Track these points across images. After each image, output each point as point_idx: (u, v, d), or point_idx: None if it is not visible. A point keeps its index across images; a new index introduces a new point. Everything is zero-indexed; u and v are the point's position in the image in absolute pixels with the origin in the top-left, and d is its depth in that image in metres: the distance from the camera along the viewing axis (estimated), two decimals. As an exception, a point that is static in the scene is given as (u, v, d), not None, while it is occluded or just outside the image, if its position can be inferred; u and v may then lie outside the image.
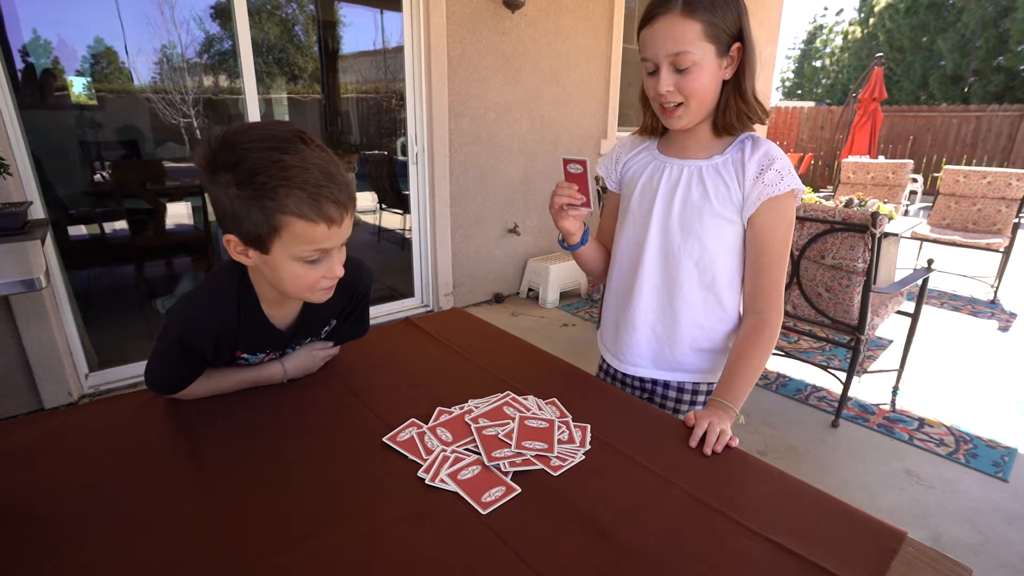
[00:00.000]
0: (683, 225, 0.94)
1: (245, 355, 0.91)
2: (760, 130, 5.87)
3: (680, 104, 0.87)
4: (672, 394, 1.05)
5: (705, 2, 0.80)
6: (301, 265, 0.75)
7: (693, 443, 0.79)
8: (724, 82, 0.87)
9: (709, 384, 1.04)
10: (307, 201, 0.69)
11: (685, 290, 0.97)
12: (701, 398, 1.04)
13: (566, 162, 0.92)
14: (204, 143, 0.72)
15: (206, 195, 3.17)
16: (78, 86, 2.64)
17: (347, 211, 0.74)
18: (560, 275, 3.65)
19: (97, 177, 2.85)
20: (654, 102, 0.90)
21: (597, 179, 2.96)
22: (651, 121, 0.99)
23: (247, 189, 0.68)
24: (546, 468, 0.73)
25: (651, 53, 0.85)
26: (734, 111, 0.88)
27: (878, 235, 1.95)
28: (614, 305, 1.08)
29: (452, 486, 0.69)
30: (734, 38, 0.84)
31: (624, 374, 1.09)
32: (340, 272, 0.79)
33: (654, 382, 1.06)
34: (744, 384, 0.88)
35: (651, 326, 1.02)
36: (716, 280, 0.96)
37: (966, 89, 15.44)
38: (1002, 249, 3.74)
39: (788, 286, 2.28)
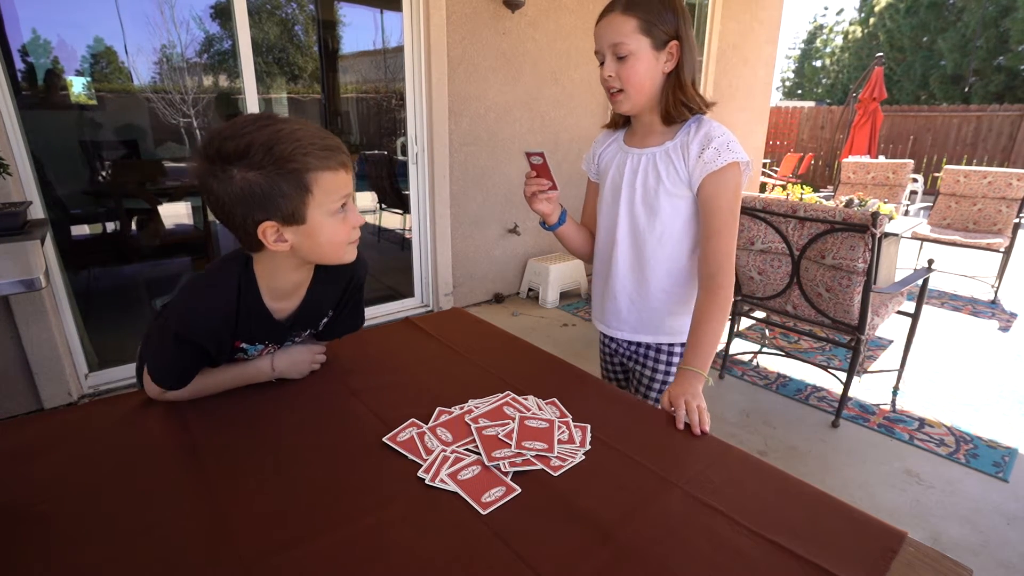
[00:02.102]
0: (646, 206, 1.07)
1: (244, 345, 0.91)
2: (756, 128, 5.86)
3: (621, 90, 1.00)
4: (652, 354, 1.18)
5: (642, 3, 0.95)
6: (335, 220, 0.80)
7: (680, 426, 0.85)
8: (668, 76, 1.00)
9: (682, 344, 1.16)
10: (322, 155, 0.75)
11: (653, 263, 1.10)
12: (676, 358, 1.17)
13: (528, 155, 1.03)
14: (197, 151, 0.75)
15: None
16: (78, 86, 2.64)
17: (350, 158, 0.81)
18: (560, 275, 3.65)
19: (97, 177, 2.85)
20: (604, 89, 1.04)
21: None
22: (616, 115, 1.13)
23: (268, 166, 0.72)
24: (546, 468, 0.73)
25: (598, 45, 1.00)
26: (673, 101, 1.00)
27: (878, 235, 1.95)
28: (598, 278, 1.23)
29: (452, 486, 0.69)
30: (672, 37, 0.96)
31: (613, 339, 1.24)
32: (362, 218, 0.85)
33: (638, 344, 1.20)
34: (708, 349, 0.97)
35: (628, 296, 1.15)
36: (679, 251, 1.08)
37: (966, 89, 15.43)
38: (1002, 249, 3.74)
39: (788, 286, 2.28)
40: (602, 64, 1.01)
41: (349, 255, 0.86)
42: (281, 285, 0.88)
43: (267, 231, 0.76)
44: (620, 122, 1.15)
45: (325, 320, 1.01)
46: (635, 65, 0.97)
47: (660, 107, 1.02)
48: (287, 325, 0.93)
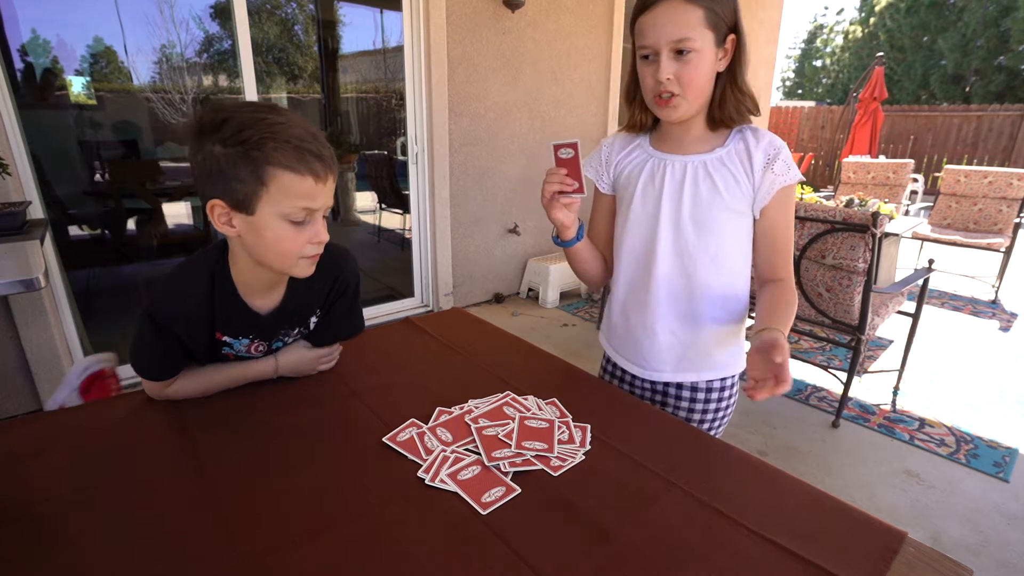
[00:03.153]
0: (696, 222, 0.91)
1: (227, 338, 0.90)
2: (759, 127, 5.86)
3: (676, 94, 0.84)
4: (686, 394, 1.02)
5: None
6: (287, 226, 0.75)
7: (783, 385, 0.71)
8: (718, 74, 0.86)
9: (722, 380, 1.02)
10: (293, 155, 0.71)
11: (704, 288, 0.94)
12: (715, 395, 1.02)
13: (556, 148, 0.88)
14: (189, 117, 0.74)
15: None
16: (77, 86, 2.64)
17: (331, 171, 0.76)
18: (560, 275, 3.65)
19: (96, 177, 2.85)
20: (649, 92, 0.87)
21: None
22: (640, 116, 0.96)
23: (234, 146, 0.70)
24: (546, 468, 0.73)
25: (651, 39, 0.82)
26: (732, 103, 0.87)
27: (879, 235, 1.95)
28: (625, 311, 1.03)
29: (452, 486, 0.69)
30: (730, 29, 0.83)
31: (642, 379, 1.06)
32: (325, 236, 0.80)
33: (668, 384, 1.03)
34: (788, 322, 0.85)
35: (671, 329, 0.98)
36: (732, 274, 0.95)
37: (967, 89, 15.43)
38: (1003, 249, 3.74)
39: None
40: (645, 59, 0.84)
41: (300, 269, 0.81)
42: (252, 280, 0.85)
43: (215, 209, 0.75)
44: (647, 125, 0.97)
45: (314, 319, 0.97)
46: (699, 65, 0.82)
47: (710, 111, 0.89)
48: (270, 319, 0.91)
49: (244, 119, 0.71)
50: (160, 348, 0.84)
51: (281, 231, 0.76)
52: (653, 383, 1.05)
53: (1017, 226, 3.77)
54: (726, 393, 1.03)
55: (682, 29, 0.79)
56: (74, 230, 2.81)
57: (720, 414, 1.04)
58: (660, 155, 0.94)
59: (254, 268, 0.83)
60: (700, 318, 0.96)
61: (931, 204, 4.41)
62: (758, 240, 0.94)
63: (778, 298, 0.90)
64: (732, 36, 0.84)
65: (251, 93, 2.61)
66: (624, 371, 1.08)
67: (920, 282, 2.34)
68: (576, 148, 0.87)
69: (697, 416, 1.02)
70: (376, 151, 4.50)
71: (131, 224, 3.11)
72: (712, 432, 1.04)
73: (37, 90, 2.51)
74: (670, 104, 0.85)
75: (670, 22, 0.80)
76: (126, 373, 2.51)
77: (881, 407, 2.38)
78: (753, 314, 0.91)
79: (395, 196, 4.27)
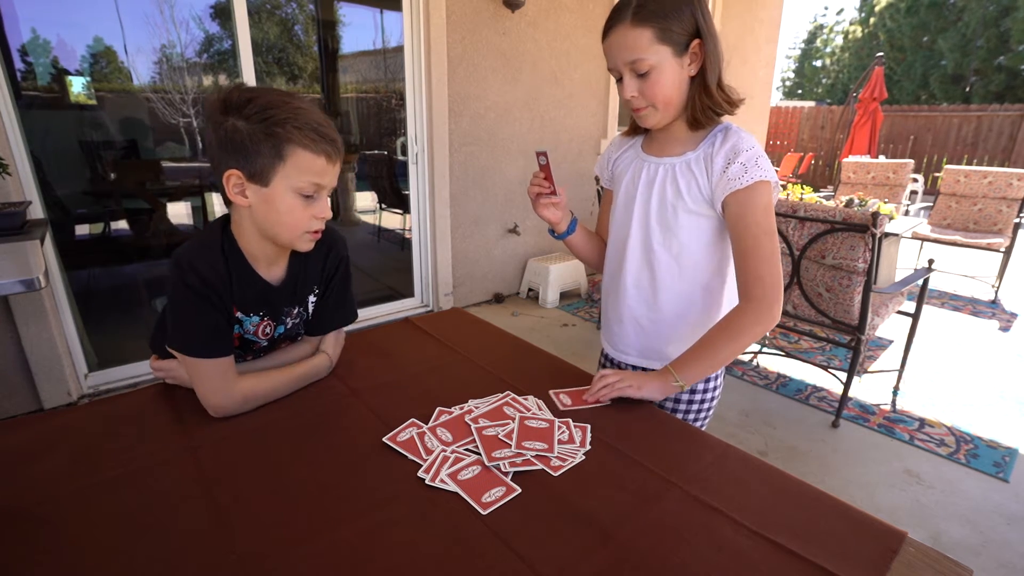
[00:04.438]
0: (661, 223, 0.98)
1: (240, 315, 0.90)
2: (756, 128, 5.86)
3: (645, 106, 0.90)
4: None
5: (654, 8, 0.83)
6: (298, 199, 0.81)
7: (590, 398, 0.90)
8: (692, 78, 0.90)
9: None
10: (311, 136, 0.79)
11: (668, 284, 1.00)
12: (697, 385, 1.04)
13: (537, 155, 0.98)
14: (215, 93, 0.79)
15: (205, 191, 3.20)
16: (77, 86, 2.64)
17: (339, 155, 0.84)
18: (560, 275, 3.65)
19: (97, 177, 2.84)
20: (625, 105, 0.95)
21: (597, 179, 2.96)
22: (635, 120, 1.03)
23: (258, 122, 0.76)
24: (546, 468, 0.73)
25: (611, 63, 0.90)
26: (699, 107, 0.90)
27: (878, 235, 1.95)
28: (606, 296, 1.13)
29: (452, 486, 0.69)
30: (692, 35, 0.86)
31: (618, 362, 1.13)
32: (329, 213, 0.86)
33: (644, 371, 1.06)
34: (706, 363, 0.91)
35: (636, 319, 1.05)
36: (699, 274, 0.98)
37: (967, 89, 15.43)
38: (1003, 249, 3.74)
39: (788, 286, 2.28)
40: (619, 81, 0.91)
41: (303, 243, 0.87)
42: (256, 252, 0.88)
43: (231, 179, 0.79)
44: (641, 128, 1.04)
45: (312, 299, 0.99)
46: (659, 79, 0.86)
47: (687, 113, 0.92)
48: (279, 292, 0.92)
49: (270, 100, 0.77)
50: (208, 317, 0.83)
51: (292, 203, 0.81)
52: (633, 367, 1.10)
53: (1017, 226, 3.78)
54: (700, 386, 1.05)
55: (633, 51, 0.85)
56: (74, 230, 2.80)
57: (695, 406, 1.06)
58: (643, 157, 1.02)
59: (259, 241, 0.87)
60: (662, 312, 1.02)
61: (931, 204, 4.42)
62: (731, 244, 0.94)
63: (720, 325, 0.91)
64: (698, 40, 0.86)
65: (251, 93, 2.60)
66: (612, 358, 1.14)
67: (920, 282, 2.34)
68: (547, 156, 0.96)
69: (670, 404, 1.05)
70: (376, 151, 4.49)
71: (131, 224, 3.11)
72: (698, 424, 1.07)
73: (56, 91, 2.52)
74: (643, 113, 0.92)
75: (623, 47, 0.86)
76: (126, 373, 2.52)
77: (881, 407, 2.38)
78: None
79: (395, 196, 4.26)
